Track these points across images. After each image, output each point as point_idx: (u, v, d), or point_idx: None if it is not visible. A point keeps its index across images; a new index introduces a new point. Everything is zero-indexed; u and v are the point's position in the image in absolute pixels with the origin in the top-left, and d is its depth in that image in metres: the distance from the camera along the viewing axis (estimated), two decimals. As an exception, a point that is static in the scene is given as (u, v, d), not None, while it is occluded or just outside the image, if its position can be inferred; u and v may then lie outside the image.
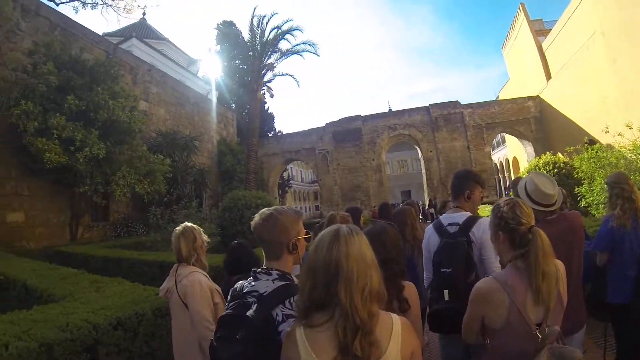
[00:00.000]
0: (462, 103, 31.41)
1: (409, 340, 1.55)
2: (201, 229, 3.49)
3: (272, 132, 41.57)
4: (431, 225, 3.43)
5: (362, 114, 33.23)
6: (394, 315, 1.58)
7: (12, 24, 12.29)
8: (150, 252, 10.15)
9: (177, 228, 3.42)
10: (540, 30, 32.33)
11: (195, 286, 3.13)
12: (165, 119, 21.54)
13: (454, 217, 3.26)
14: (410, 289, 2.31)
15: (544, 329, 2.03)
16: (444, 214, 3.48)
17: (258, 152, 26.75)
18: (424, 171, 33.10)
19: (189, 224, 3.45)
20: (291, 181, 51.47)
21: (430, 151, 31.27)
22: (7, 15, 11.08)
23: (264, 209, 2.01)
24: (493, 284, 2.12)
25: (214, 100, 29.61)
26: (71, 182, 13.15)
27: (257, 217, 1.98)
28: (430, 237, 3.34)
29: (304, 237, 1.99)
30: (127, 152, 14.25)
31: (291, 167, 52.00)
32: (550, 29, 28.59)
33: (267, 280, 1.83)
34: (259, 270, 1.90)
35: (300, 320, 1.50)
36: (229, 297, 1.97)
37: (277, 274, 1.85)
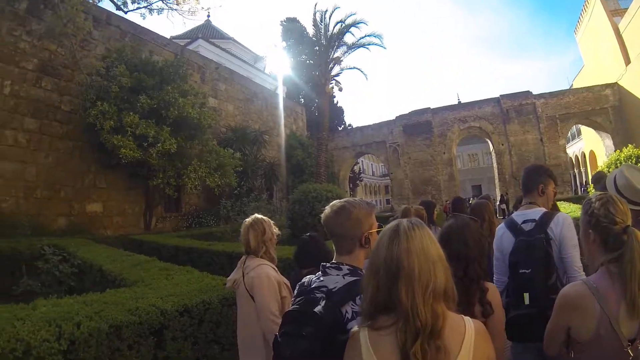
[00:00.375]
0: (534, 93, 29.66)
1: (484, 348, 1.40)
2: (272, 221, 3.42)
3: (342, 126, 41.60)
4: (502, 223, 3.20)
5: (432, 107, 32.40)
6: (467, 319, 1.44)
7: (84, 33, 12.97)
8: (220, 243, 10.35)
9: (246, 220, 3.36)
10: (615, 10, 30.09)
11: (263, 279, 3.08)
12: (234, 114, 22.06)
13: (528, 213, 3.02)
14: (493, 292, 2.20)
15: (637, 346, 1.74)
16: (516, 212, 3.25)
17: (328, 145, 26.63)
18: (495, 165, 31.98)
19: (259, 216, 3.39)
20: (362, 175, 51.15)
21: (502, 144, 29.93)
22: (80, 25, 11.79)
23: (335, 201, 1.94)
24: (583, 289, 1.87)
25: (283, 95, 29.89)
26: (145, 176, 13.90)
27: (328, 209, 1.91)
28: (502, 236, 3.08)
29: (376, 231, 1.87)
30: (197, 147, 14.80)
31: (362, 161, 51.58)
32: (627, 8, 26.61)
33: (337, 275, 1.78)
34: (328, 265, 1.85)
35: (365, 321, 1.42)
36: (296, 291, 1.94)
37: (347, 269, 1.79)
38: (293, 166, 26.23)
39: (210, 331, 3.99)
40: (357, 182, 45.88)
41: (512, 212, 3.74)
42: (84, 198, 14.03)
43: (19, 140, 12.52)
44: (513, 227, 3.00)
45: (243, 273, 3.22)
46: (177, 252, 9.68)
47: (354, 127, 38.84)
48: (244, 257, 3.35)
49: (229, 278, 3.43)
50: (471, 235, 2.23)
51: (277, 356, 1.69)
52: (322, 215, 1.92)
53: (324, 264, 1.86)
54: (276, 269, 3.32)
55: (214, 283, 4.67)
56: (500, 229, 3.16)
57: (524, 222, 2.95)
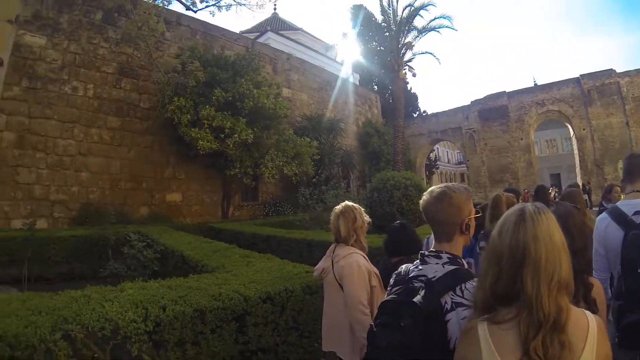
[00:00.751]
0: (618, 71, 26.64)
1: (605, 346, 1.25)
2: (362, 208, 3.33)
3: (417, 113, 40.98)
4: (605, 214, 2.84)
5: (507, 90, 30.87)
6: (589, 313, 1.30)
7: (159, 35, 13.56)
8: (298, 231, 10.42)
9: (336, 207, 3.31)
10: None
11: (353, 267, 3.01)
12: (308, 103, 22.18)
13: (637, 203, 2.66)
14: (598, 288, 1.99)
15: None
16: (621, 201, 2.90)
17: (404, 132, 26.25)
18: (575, 152, 29.45)
19: (349, 203, 3.32)
20: (438, 162, 50.04)
21: (583, 129, 27.41)
22: (153, 27, 12.31)
23: (433, 187, 1.86)
24: None
25: (355, 82, 29.77)
26: (223, 166, 14.32)
27: (426, 195, 1.83)
28: (607, 229, 2.71)
29: (474, 217, 1.82)
30: (274, 136, 15.05)
31: (437, 148, 50.42)
32: None
33: (437, 264, 1.70)
34: (427, 252, 1.77)
35: (480, 314, 1.33)
36: (391, 280, 1.87)
37: (447, 257, 1.71)
38: (369, 154, 26.09)
39: (291, 318, 4.00)
40: (433, 169, 44.94)
41: (601, 203, 3.34)
42: (164, 188, 14.91)
43: (104, 137, 13.68)
44: (621, 218, 2.64)
45: (332, 261, 3.17)
46: (255, 240, 9.81)
47: (428, 113, 38.30)
48: (333, 245, 3.30)
49: (317, 266, 3.40)
50: (575, 225, 2.01)
51: (371, 346, 1.65)
52: (421, 202, 1.85)
53: (423, 252, 1.79)
54: (367, 257, 3.23)
55: (296, 271, 4.67)
56: (603, 220, 2.80)
57: (636, 213, 2.59)
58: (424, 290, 1.58)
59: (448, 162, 64.91)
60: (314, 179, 17.29)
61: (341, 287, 3.03)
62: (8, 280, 8.37)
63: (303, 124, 19.70)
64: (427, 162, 40.56)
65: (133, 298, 3.37)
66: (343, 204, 3.30)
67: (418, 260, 1.78)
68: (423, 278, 1.65)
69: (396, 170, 18.75)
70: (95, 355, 2.89)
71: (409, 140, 32.17)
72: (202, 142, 12.55)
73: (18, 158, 12.24)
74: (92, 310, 3.05)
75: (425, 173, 39.04)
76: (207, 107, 12.87)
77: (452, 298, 1.56)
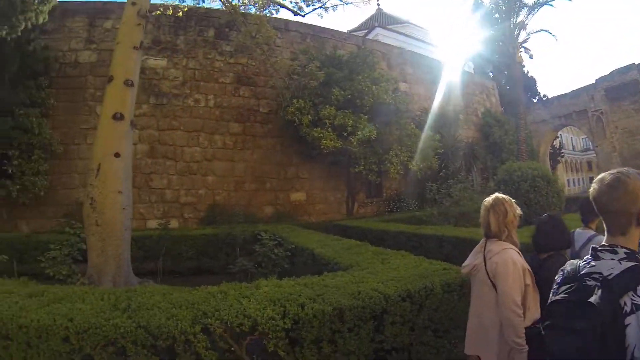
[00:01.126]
0: None
1: None
2: (513, 200, 3.05)
3: (537, 98, 38.33)
4: None
5: (636, 62, 26.64)
6: None
7: (272, 41, 14.25)
8: (428, 226, 10.17)
9: (486, 200, 3.09)
10: None
11: (508, 265, 2.76)
12: (426, 96, 21.60)
13: None
14: None
15: None
16: None
17: (525, 120, 24.62)
18: None
19: (500, 195, 3.05)
20: (562, 150, 46.50)
21: None
22: (268, 35, 12.86)
23: (603, 174, 1.66)
24: None
25: (470, 71, 28.66)
26: (346, 164, 14.47)
27: (596, 184, 1.64)
28: None
29: None
30: (396, 132, 14.83)
31: (560, 135, 46.84)
32: None
33: (612, 260, 1.50)
34: (599, 247, 1.58)
35: None
36: (557, 278, 1.70)
37: (624, 252, 1.50)
38: (490, 145, 24.73)
39: (428, 317, 3.84)
40: (558, 158, 41.63)
41: None
42: (288, 188, 15.36)
43: (227, 143, 14.62)
44: None
45: (485, 258, 2.93)
46: (384, 236, 9.65)
47: (549, 97, 35.53)
48: (482, 240, 3.09)
49: (465, 263, 3.19)
50: None
51: (537, 350, 1.62)
52: (592, 192, 1.66)
53: (595, 246, 1.60)
54: (521, 253, 2.95)
55: (433, 268, 4.49)
56: None
57: None
58: (600, 290, 1.41)
59: (573, 149, 59.89)
60: (442, 173, 16.76)
61: (493, 285, 2.80)
62: (144, 272, 9.19)
63: (422, 118, 19.13)
64: (551, 151, 37.42)
65: (270, 295, 3.45)
66: (493, 196, 3.06)
67: (589, 256, 1.59)
68: (597, 276, 1.47)
69: (520, 160, 17.87)
70: (232, 348, 3.10)
71: (530, 127, 29.81)
72: (325, 142, 12.72)
73: (151, 166, 13.72)
74: (230, 306, 3.20)
75: (550, 162, 36.17)
76: (327, 106, 13.05)
77: (632, 299, 1.37)
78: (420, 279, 4.00)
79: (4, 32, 10.55)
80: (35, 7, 10.97)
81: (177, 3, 11.84)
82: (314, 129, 12.89)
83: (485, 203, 3.03)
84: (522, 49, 23.12)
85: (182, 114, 14.29)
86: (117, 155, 7.34)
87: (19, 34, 10.88)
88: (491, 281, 2.82)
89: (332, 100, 13.22)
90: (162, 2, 10.95)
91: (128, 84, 7.69)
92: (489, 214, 2.95)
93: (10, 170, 11.72)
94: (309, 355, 3.22)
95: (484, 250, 2.96)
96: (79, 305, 3.33)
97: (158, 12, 10.10)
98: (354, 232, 10.80)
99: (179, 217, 13.77)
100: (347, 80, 13.83)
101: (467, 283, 3.91)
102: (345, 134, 12.96)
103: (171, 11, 11.25)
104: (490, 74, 33.23)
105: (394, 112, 14.59)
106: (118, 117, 7.45)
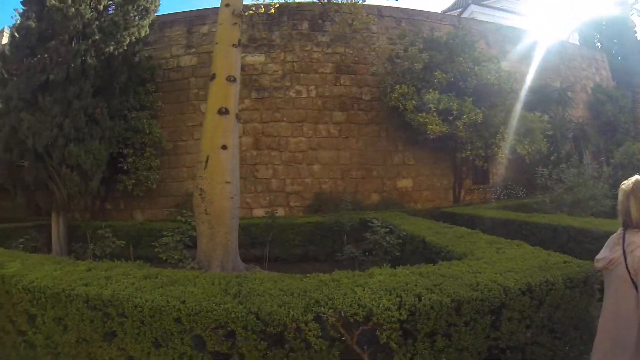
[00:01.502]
0: None
1: None
2: None
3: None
4: None
5: None
6: None
7: (369, 26, 14.05)
8: (540, 215, 9.71)
9: (624, 183, 2.75)
10: None
11: None
12: (529, 74, 20.23)
13: None
14: None
15: None
16: None
17: (641, 93, 22.18)
18: None
19: None
20: (687, 129, 41.38)
21: None
22: (364, 20, 12.65)
23: None
24: None
25: (575, 42, 26.48)
26: (452, 149, 14.18)
27: None
28: None
29: None
30: (501, 114, 14.14)
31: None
32: None
33: None
34: None
35: None
36: None
37: None
38: (602, 125, 22.33)
39: (547, 315, 3.58)
40: (683, 138, 37.06)
41: None
42: (394, 175, 15.28)
43: (331, 132, 14.85)
44: None
45: (624, 251, 2.60)
46: (494, 224, 9.32)
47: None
48: (620, 231, 2.75)
49: (599, 256, 2.87)
50: None
51: None
52: None
53: None
54: None
55: (552, 260, 4.21)
56: None
57: None
58: None
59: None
60: (553, 157, 15.52)
61: (634, 283, 2.50)
62: (251, 258, 9.69)
63: (527, 98, 17.64)
64: (677, 129, 33.48)
65: (385, 284, 3.42)
66: (633, 179, 2.71)
67: None
68: None
69: (638, 141, 16.31)
70: (342, 338, 3.09)
71: (649, 103, 26.87)
72: (431, 127, 12.50)
73: (256, 157, 14.43)
74: (344, 295, 3.21)
75: (678, 143, 32.29)
76: (431, 90, 12.80)
77: None
78: (540, 272, 3.75)
79: (112, 48, 12.00)
80: (136, 23, 12.65)
81: (268, 1, 12.22)
82: (419, 114, 12.70)
83: (624, 187, 2.70)
84: (633, 11, 20.62)
85: (285, 106, 14.77)
86: (224, 147, 7.79)
87: (125, 47, 12.39)
88: (631, 278, 2.52)
89: (435, 84, 12.97)
90: (254, 2, 11.35)
91: (230, 79, 8.14)
92: (629, 200, 2.63)
93: (125, 167, 13.17)
94: (421, 348, 3.14)
95: (623, 242, 2.64)
96: (190, 289, 3.54)
97: (250, 11, 10.43)
98: (462, 220, 10.48)
99: (284, 206, 14.28)
100: (448, 63, 13.48)
101: (590, 279, 3.66)
102: (450, 118, 12.62)
103: (263, 9, 11.63)
104: (599, 44, 30.16)
105: (498, 93, 13.98)
106: (223, 111, 7.91)
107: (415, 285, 3.37)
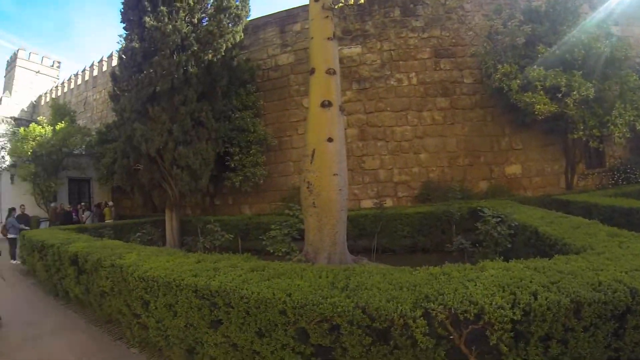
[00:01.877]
0: None
1: None
2: None
3: None
4: None
5: None
6: None
7: (462, 7, 14.05)
8: None
9: None
10: None
11: None
12: (643, 38, 18.26)
13: None
14: None
15: None
16: None
17: None
18: None
19: None
20: None
21: None
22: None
23: None
24: None
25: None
26: (563, 130, 13.17)
27: None
28: None
29: None
30: (615, 87, 12.60)
31: None
32: None
33: None
34: None
35: None
36: None
37: None
38: None
39: None
40: None
41: None
42: (502, 161, 14.77)
43: (436, 118, 14.72)
44: None
45: None
46: (613, 214, 8.46)
47: None
48: None
49: None
50: None
51: None
52: None
53: None
54: None
55: None
56: None
57: None
58: None
59: None
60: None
61: None
62: (359, 249, 9.90)
63: None
64: None
65: (498, 280, 3.24)
66: None
67: None
68: None
69: None
70: (451, 337, 2.89)
71: None
72: (538, 106, 11.74)
73: (362, 148, 14.65)
74: (454, 290, 3.07)
75: None
76: (535, 67, 11.99)
77: None
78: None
79: (210, 55, 12.98)
80: (230, 29, 13.51)
81: (356, -8, 12.15)
82: (525, 94, 11.96)
83: None
84: None
85: (387, 95, 14.79)
86: (330, 140, 7.96)
87: (223, 53, 13.33)
88: None
89: (539, 60, 12.21)
90: (342, -6, 11.36)
91: (330, 72, 8.30)
92: None
93: (232, 165, 14.06)
94: (533, 354, 2.87)
95: None
96: (297, 282, 3.62)
97: (340, 4, 10.45)
98: (577, 208, 9.84)
99: (392, 196, 14.36)
100: (550, 34, 12.68)
101: None
102: (559, 95, 11.64)
103: (352, 0, 11.55)
104: None
105: (610, 63, 12.61)
106: (326, 104, 8.09)
107: (531, 282, 3.12)
